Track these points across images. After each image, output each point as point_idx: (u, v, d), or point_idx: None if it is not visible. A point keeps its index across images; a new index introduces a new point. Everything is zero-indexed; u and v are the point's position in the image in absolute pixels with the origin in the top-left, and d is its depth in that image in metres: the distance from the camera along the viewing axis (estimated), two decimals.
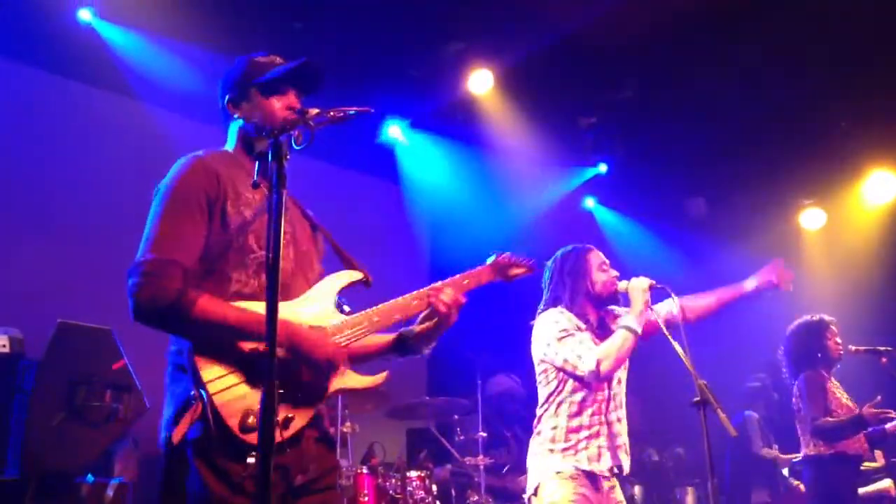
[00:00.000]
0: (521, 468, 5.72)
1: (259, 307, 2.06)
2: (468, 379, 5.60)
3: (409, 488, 4.67)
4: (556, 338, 3.40)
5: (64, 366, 4.33)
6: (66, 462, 4.25)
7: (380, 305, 2.36)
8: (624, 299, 3.49)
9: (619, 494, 3.42)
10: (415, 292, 2.41)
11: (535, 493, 3.37)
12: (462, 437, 5.58)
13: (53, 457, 4.20)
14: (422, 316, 2.46)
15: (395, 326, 2.45)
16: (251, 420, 1.98)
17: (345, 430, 4.66)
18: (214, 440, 1.99)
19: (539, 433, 3.45)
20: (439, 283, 2.46)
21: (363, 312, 2.32)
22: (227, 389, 2.02)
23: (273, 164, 1.88)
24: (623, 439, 3.44)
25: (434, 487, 4.88)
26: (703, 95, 6.68)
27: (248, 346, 2.07)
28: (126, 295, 2.06)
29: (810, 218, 8.23)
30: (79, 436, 4.28)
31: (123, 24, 5.61)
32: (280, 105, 2.31)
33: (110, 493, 4.34)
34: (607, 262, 3.61)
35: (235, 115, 2.37)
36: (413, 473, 4.80)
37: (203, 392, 2.00)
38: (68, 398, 4.27)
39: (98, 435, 4.27)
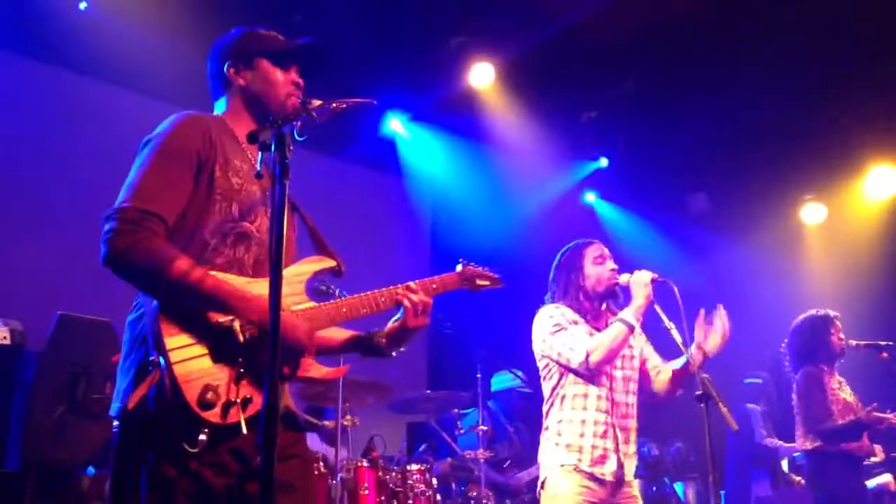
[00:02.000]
0: (522, 463, 5.73)
1: (234, 280, 2.03)
2: (469, 373, 5.60)
3: (409, 481, 4.66)
4: (549, 332, 3.44)
5: (65, 358, 4.32)
6: (67, 454, 4.25)
7: (348, 297, 2.28)
8: (625, 293, 3.48)
9: (633, 490, 3.41)
10: (384, 289, 2.32)
11: (542, 487, 3.39)
12: (462, 431, 5.57)
13: (54, 449, 4.19)
14: (395, 318, 2.36)
15: (365, 324, 2.37)
16: (210, 395, 1.88)
17: (345, 423, 4.65)
18: (168, 413, 1.90)
19: (547, 428, 3.46)
20: (412, 283, 2.36)
21: (331, 302, 2.23)
22: (190, 360, 1.90)
23: (276, 154, 1.88)
24: (633, 448, 3.42)
25: (434, 481, 4.87)
26: (705, 90, 6.67)
27: (220, 318, 1.95)
28: (101, 242, 1.93)
29: (811, 213, 8.23)
30: (79, 428, 4.27)
31: (121, 14, 5.59)
32: (283, 79, 2.31)
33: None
34: (606, 254, 3.58)
35: (237, 82, 2.34)
36: (413, 467, 4.80)
37: (163, 359, 1.89)
38: (69, 390, 4.26)
39: (99, 427, 4.26)
